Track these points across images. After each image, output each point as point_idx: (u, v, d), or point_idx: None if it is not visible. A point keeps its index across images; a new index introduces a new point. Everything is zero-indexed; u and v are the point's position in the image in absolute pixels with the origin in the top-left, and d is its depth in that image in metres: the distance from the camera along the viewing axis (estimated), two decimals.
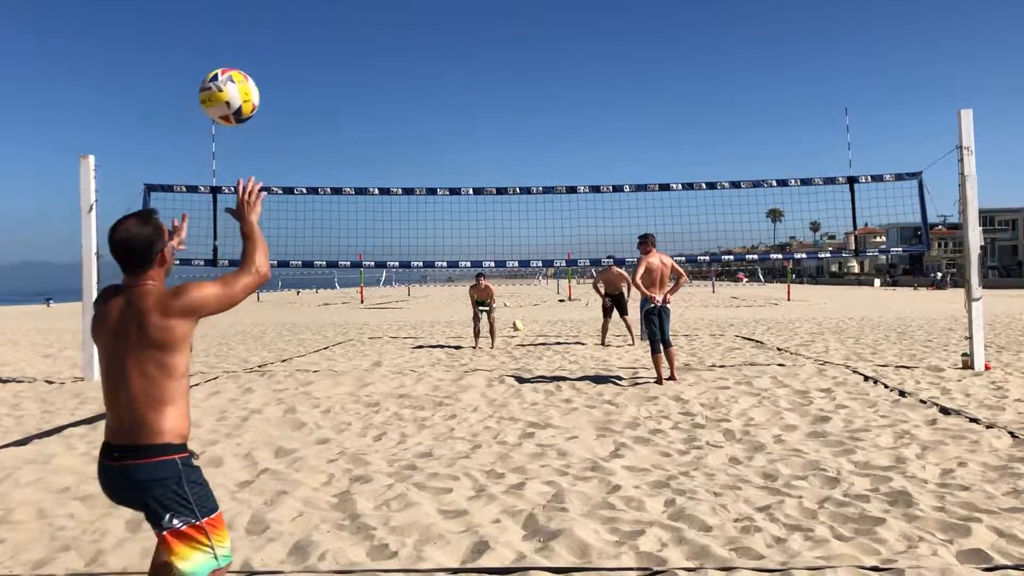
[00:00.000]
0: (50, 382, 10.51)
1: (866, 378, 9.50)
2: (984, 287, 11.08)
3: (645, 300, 9.60)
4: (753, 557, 3.78)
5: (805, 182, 11.65)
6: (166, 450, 2.51)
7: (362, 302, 41.45)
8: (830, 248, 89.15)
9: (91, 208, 10.76)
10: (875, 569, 3.57)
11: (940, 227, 76.82)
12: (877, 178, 11.43)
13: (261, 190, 2.90)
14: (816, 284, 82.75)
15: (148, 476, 2.49)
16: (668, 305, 9.54)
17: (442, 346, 15.28)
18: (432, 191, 11.83)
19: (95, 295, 10.87)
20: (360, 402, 8.50)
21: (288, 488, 5.06)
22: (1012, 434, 6.17)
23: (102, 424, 7.25)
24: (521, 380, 9.95)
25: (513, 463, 5.69)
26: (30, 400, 8.97)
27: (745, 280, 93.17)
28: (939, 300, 35.75)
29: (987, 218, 68.33)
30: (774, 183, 11.76)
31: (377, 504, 4.74)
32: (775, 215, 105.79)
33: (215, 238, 11.30)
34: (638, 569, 3.69)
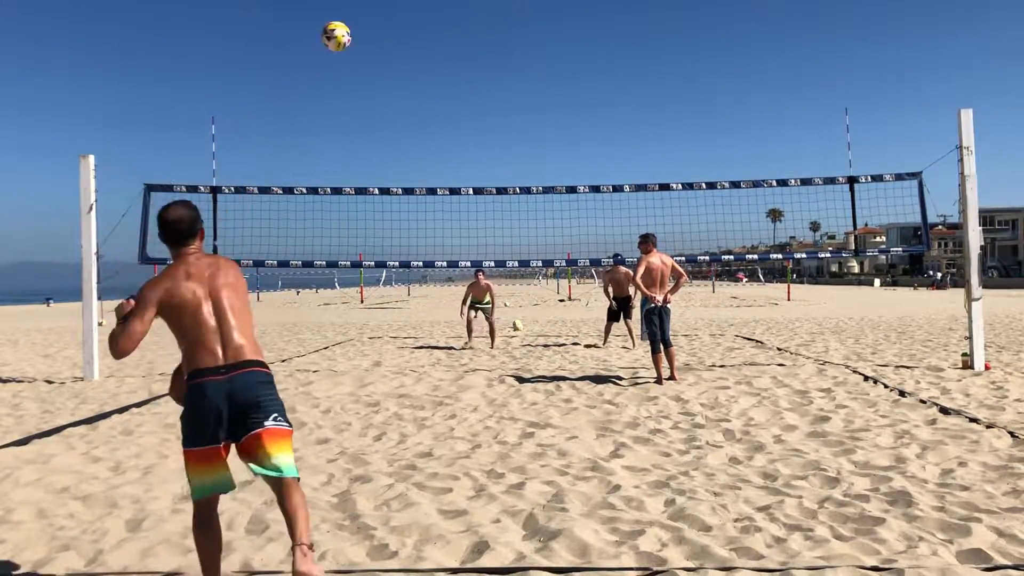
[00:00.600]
0: (50, 382, 10.51)
1: (866, 378, 9.50)
2: (984, 287, 11.07)
3: (645, 300, 9.61)
4: (753, 557, 3.77)
5: (805, 182, 11.66)
6: (263, 364, 3.32)
7: (362, 302, 41.46)
8: (830, 248, 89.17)
9: (91, 208, 10.77)
10: (875, 569, 3.57)
11: (940, 227, 76.75)
12: (877, 178, 11.43)
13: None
14: (816, 284, 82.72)
15: (257, 380, 3.23)
16: (668, 305, 9.55)
17: (442, 346, 15.28)
18: (432, 191, 11.84)
19: (95, 295, 10.88)
20: (360, 402, 8.50)
21: None
22: (1012, 434, 6.17)
23: (102, 424, 7.28)
24: (521, 380, 9.95)
25: (513, 463, 5.69)
26: (30, 400, 8.97)
27: (745, 280, 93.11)
28: (939, 300, 35.75)
29: (987, 218, 68.33)
30: (774, 183, 11.77)
31: (377, 504, 4.74)
32: (775, 215, 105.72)
33: (215, 238, 11.33)
34: (638, 569, 3.68)
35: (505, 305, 34.09)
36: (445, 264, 12.57)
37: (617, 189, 11.95)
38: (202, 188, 11.43)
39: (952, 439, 6.10)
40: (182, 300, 3.21)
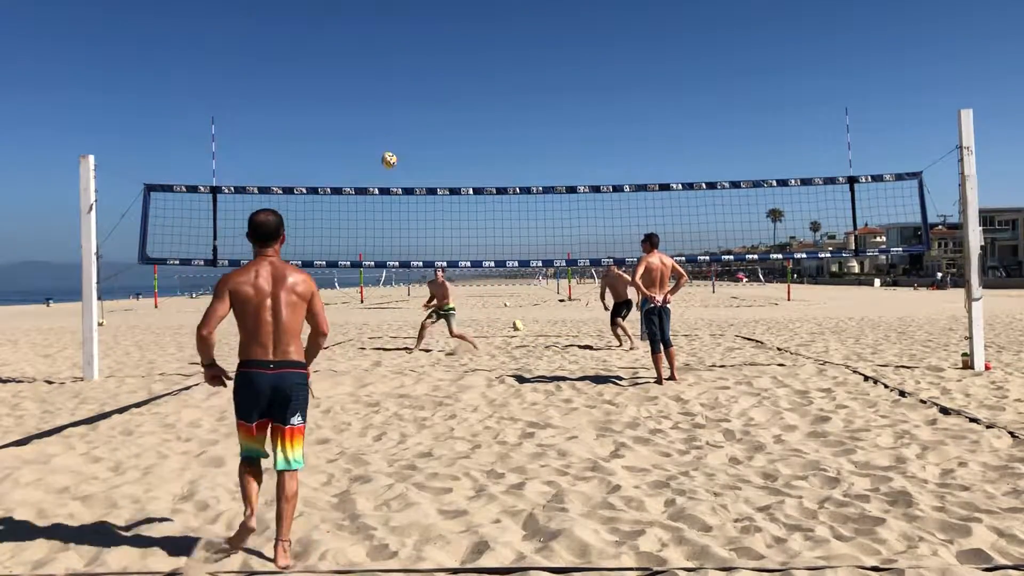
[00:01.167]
0: (50, 382, 10.51)
1: (866, 378, 9.50)
2: (984, 287, 11.07)
3: (645, 300, 9.61)
4: (753, 557, 3.77)
5: (805, 182, 11.65)
6: (303, 366, 3.90)
7: (362, 302, 41.45)
8: (830, 248, 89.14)
9: (91, 208, 10.75)
10: (875, 569, 3.57)
11: (940, 227, 76.75)
12: (877, 178, 11.43)
13: None
14: (816, 284, 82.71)
15: (295, 381, 3.83)
16: (668, 305, 9.54)
17: (441, 347, 15.27)
18: (432, 191, 11.83)
19: (95, 295, 10.87)
20: (360, 402, 8.50)
21: None
22: (1012, 434, 6.17)
23: (102, 424, 7.28)
24: (521, 380, 9.95)
25: (513, 463, 5.69)
26: (30, 400, 8.97)
27: (745, 280, 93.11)
28: (939, 300, 35.73)
29: (987, 218, 68.30)
30: (774, 183, 11.75)
31: (377, 504, 4.74)
32: (775, 215, 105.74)
33: (215, 238, 11.30)
34: (638, 569, 3.69)
35: (505, 305, 34.04)
36: (445, 264, 12.55)
37: (617, 189, 11.94)
38: (202, 188, 11.41)
39: (952, 439, 6.10)
40: (246, 295, 3.80)
